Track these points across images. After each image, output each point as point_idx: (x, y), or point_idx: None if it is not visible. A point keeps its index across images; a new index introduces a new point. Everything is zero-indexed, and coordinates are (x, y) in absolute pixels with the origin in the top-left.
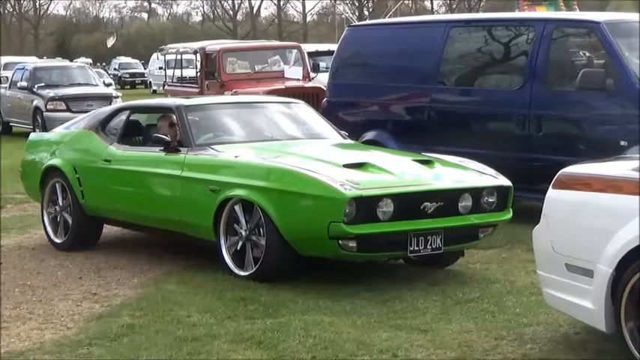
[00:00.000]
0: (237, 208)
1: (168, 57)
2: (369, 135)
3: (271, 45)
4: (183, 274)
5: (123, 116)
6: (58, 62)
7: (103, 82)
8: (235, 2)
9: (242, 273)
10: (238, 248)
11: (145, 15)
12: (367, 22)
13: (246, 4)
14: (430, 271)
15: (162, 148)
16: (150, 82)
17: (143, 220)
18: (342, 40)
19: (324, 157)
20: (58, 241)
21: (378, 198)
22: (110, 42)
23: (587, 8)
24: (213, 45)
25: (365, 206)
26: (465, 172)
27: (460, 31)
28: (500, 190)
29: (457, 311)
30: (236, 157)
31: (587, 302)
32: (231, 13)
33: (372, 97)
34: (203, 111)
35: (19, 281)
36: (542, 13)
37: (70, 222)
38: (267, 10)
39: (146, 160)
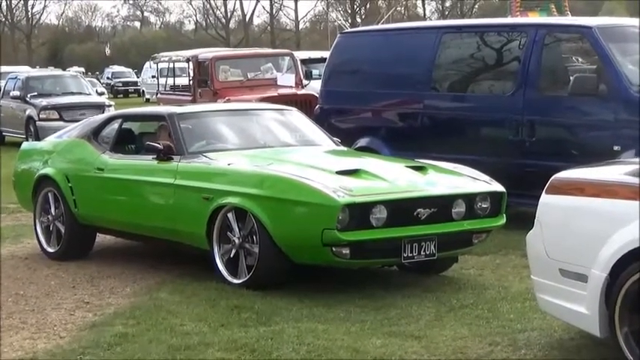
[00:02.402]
0: (230, 215)
1: (161, 65)
2: (362, 142)
3: (264, 52)
4: (177, 283)
5: (115, 125)
6: (51, 71)
7: (96, 91)
8: (228, 10)
9: (235, 281)
10: (231, 256)
11: (137, 24)
12: (359, 28)
13: (239, 12)
14: (424, 278)
15: (154, 156)
16: (143, 90)
17: (136, 229)
18: (334, 47)
19: (317, 164)
20: (50, 250)
21: (372, 204)
22: (108, 50)
23: (579, 13)
24: (205, 53)
25: (358, 213)
26: (458, 178)
27: (452, 37)
28: (493, 195)
29: (451, 317)
30: (229, 164)
31: (581, 307)
32: (223, 21)
33: (364, 103)
34: (196, 119)
35: (11, 291)
36: (534, 18)
37: (63, 231)
38: (260, 18)
39: (139, 168)
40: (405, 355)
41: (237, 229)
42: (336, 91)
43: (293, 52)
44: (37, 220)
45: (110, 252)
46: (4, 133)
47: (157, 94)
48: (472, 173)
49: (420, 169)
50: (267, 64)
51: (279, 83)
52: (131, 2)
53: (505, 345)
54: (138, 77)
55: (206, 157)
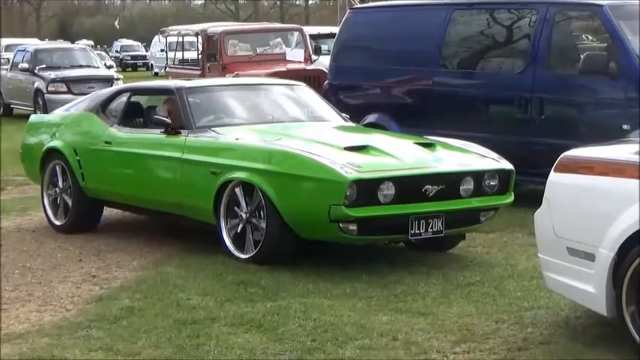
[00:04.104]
0: (237, 190)
1: (169, 39)
2: (371, 118)
3: (273, 27)
4: (183, 257)
5: (123, 98)
6: (60, 44)
7: (105, 65)
8: None
9: (242, 256)
10: (238, 231)
11: None
12: (369, 4)
13: None
14: (431, 255)
15: (162, 130)
16: (151, 64)
17: (143, 203)
18: (343, 23)
19: (325, 140)
20: (58, 223)
21: (379, 181)
22: (117, 24)
23: None
24: (214, 27)
25: (366, 189)
26: (466, 155)
27: (462, 13)
28: (501, 173)
29: (458, 295)
30: (237, 139)
31: (588, 286)
32: None
33: (373, 79)
34: (204, 93)
35: (18, 263)
36: None
37: (70, 204)
38: None
39: (146, 142)
40: (411, 331)
41: (244, 204)
42: (345, 67)
43: (302, 28)
44: (44, 193)
45: (117, 226)
46: (12, 106)
47: (165, 68)
48: (480, 150)
49: (428, 145)
50: (276, 39)
51: (288, 58)
52: None
53: (511, 323)
54: (147, 51)
55: (214, 131)
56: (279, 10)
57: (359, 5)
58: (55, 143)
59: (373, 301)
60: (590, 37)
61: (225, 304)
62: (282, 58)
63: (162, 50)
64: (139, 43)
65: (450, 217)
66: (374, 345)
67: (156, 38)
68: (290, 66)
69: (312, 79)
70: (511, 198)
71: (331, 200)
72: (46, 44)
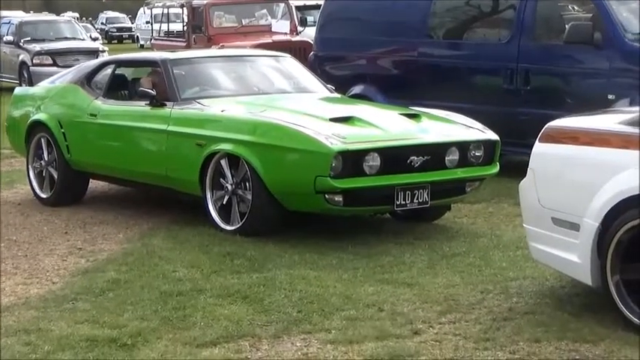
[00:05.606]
0: (223, 162)
1: (155, 11)
2: (356, 89)
3: None
4: (169, 229)
5: (108, 70)
6: (45, 16)
7: (90, 37)
8: None
9: (228, 227)
10: (224, 203)
11: None
12: None
13: None
14: (417, 226)
15: (147, 102)
16: (137, 36)
17: (129, 175)
18: None
19: (310, 111)
20: (43, 196)
21: (365, 152)
22: None
23: None
24: None
25: (351, 160)
26: (452, 125)
27: None
28: (487, 144)
29: (443, 265)
30: (222, 111)
31: (573, 256)
32: None
33: (359, 51)
34: (189, 65)
35: (4, 236)
36: None
37: (56, 177)
38: None
39: (132, 114)
40: (397, 302)
41: (230, 176)
42: (331, 38)
43: None
44: (30, 166)
45: (103, 198)
46: None
47: (151, 39)
48: (466, 121)
49: (413, 116)
50: (261, 10)
51: (273, 30)
52: None
53: (497, 293)
54: (132, 23)
55: (199, 103)
56: None
57: None
58: (40, 116)
59: (359, 272)
60: (575, 7)
61: (211, 276)
62: (267, 30)
63: (147, 22)
64: (125, 15)
65: (435, 188)
66: (360, 316)
67: (141, 10)
68: (275, 37)
69: (298, 50)
70: (496, 168)
71: (317, 171)
72: (31, 16)
